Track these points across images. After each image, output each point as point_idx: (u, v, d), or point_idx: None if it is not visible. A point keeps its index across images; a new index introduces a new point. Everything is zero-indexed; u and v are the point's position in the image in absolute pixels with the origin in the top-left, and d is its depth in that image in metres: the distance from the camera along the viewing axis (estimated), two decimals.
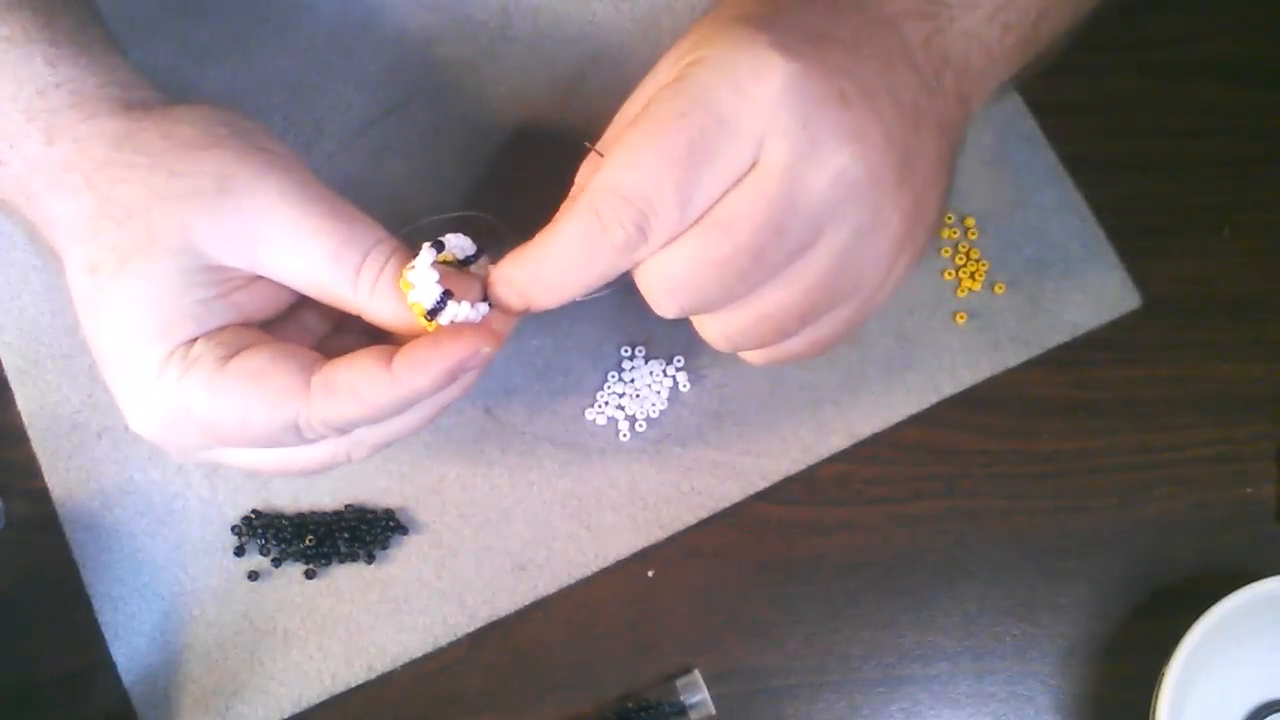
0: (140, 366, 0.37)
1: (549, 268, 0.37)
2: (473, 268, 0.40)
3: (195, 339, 0.37)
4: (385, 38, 0.53)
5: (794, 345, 0.40)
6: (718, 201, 0.35)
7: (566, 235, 0.37)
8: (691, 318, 0.39)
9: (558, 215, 0.37)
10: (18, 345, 0.51)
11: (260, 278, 0.39)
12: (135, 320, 0.37)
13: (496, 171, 0.53)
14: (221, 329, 0.38)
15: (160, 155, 0.38)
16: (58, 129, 0.39)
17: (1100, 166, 0.54)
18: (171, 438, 0.38)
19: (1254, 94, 0.55)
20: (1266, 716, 0.49)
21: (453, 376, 0.37)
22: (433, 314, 0.38)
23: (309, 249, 0.38)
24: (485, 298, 0.39)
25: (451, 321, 0.38)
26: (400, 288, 0.38)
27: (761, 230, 0.35)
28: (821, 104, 0.35)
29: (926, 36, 0.39)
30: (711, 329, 0.39)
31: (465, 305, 0.38)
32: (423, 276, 0.37)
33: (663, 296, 0.37)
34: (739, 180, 0.35)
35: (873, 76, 0.36)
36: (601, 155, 0.39)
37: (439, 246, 0.38)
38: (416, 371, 0.37)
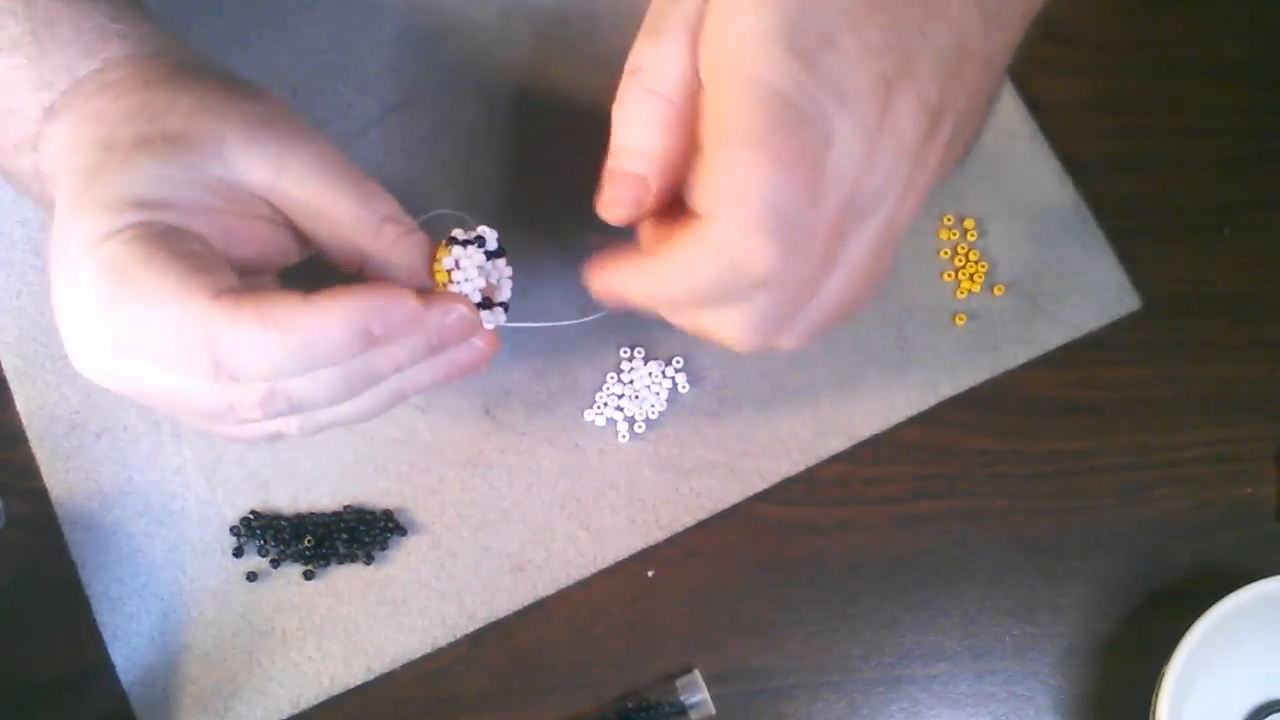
0: (100, 225, 0.35)
1: (664, 288, 0.37)
2: (488, 264, 0.41)
3: (173, 228, 0.36)
4: (385, 38, 0.53)
5: (826, 299, 0.40)
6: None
7: (696, 272, 0.36)
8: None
9: (686, 239, 0.35)
10: (17, 346, 0.51)
11: (257, 224, 0.39)
12: (128, 187, 0.36)
13: (496, 172, 0.53)
14: (204, 236, 0.37)
15: (214, 84, 0.39)
16: (115, 62, 0.39)
17: (1100, 166, 0.54)
18: (83, 322, 0.36)
19: (1254, 94, 0.55)
20: (1266, 716, 0.49)
21: (369, 323, 0.36)
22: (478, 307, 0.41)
23: (336, 190, 0.39)
24: (504, 303, 0.42)
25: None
26: (436, 255, 0.40)
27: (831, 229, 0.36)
28: (871, 97, 0.34)
29: None
30: (788, 341, 0.39)
31: (490, 320, 0.42)
32: (470, 267, 0.40)
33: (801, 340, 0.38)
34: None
35: (915, 36, 0.35)
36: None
37: (481, 242, 0.41)
38: (337, 301, 0.35)
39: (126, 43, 0.40)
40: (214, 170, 0.38)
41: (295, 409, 0.38)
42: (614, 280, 0.38)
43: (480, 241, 0.41)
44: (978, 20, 0.37)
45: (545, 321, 0.47)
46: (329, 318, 0.35)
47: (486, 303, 0.41)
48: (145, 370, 0.37)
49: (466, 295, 0.40)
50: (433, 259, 0.41)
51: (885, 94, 0.35)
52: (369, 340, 0.36)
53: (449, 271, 0.40)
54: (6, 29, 0.39)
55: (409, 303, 0.37)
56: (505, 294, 0.43)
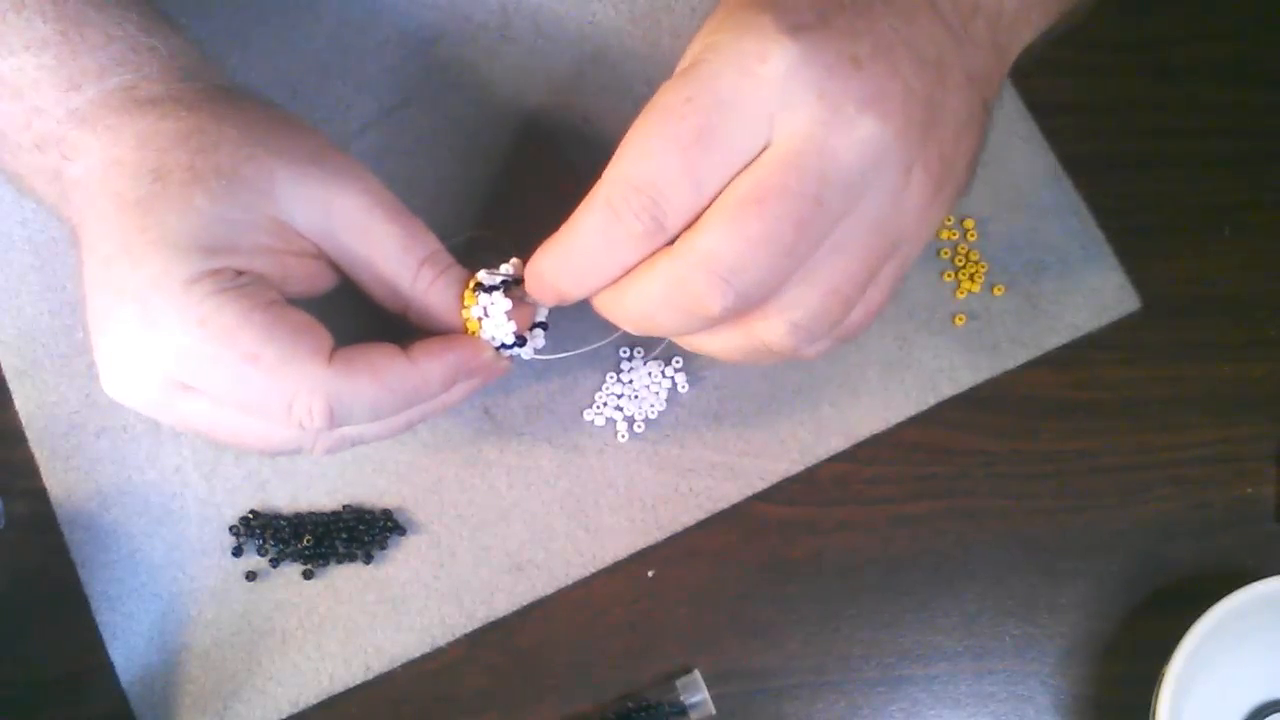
0: (176, 270, 0.36)
1: (574, 260, 0.38)
2: (519, 289, 0.42)
3: (243, 273, 0.38)
4: (385, 38, 0.53)
5: (854, 317, 0.40)
6: (732, 181, 0.35)
7: (585, 228, 0.37)
8: (758, 326, 0.38)
9: (579, 207, 0.38)
10: (16, 346, 0.51)
11: (305, 260, 0.40)
12: (193, 228, 0.37)
13: (496, 172, 0.53)
14: (266, 277, 0.39)
15: (256, 114, 0.40)
16: (147, 79, 0.40)
17: (1100, 166, 0.53)
18: (147, 358, 0.37)
19: (1254, 94, 0.55)
20: (1266, 716, 0.49)
21: (458, 374, 0.41)
22: (505, 347, 0.42)
23: (381, 233, 0.40)
24: (543, 323, 0.44)
25: (503, 345, 0.42)
26: (464, 299, 0.42)
27: (799, 200, 0.35)
28: (833, 72, 0.35)
29: None
30: (779, 327, 0.38)
31: (530, 348, 0.43)
32: (498, 314, 0.42)
33: (718, 283, 0.35)
34: (753, 159, 0.35)
35: (887, 33, 0.36)
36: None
37: (506, 285, 0.42)
38: (434, 358, 0.40)
39: (157, 56, 0.40)
40: (267, 209, 0.38)
41: (354, 444, 0.42)
42: (535, 268, 0.40)
43: (505, 285, 0.42)
44: (946, 35, 0.38)
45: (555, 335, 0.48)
46: (430, 375, 0.40)
47: (520, 339, 0.43)
48: (214, 412, 0.39)
49: (500, 340, 0.42)
50: (461, 303, 0.42)
51: (853, 68, 0.35)
52: (450, 386, 0.41)
53: (479, 320, 0.42)
54: (35, 28, 0.39)
55: (487, 353, 0.42)
56: (542, 314, 0.44)
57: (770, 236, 0.35)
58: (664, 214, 0.36)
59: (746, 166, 0.35)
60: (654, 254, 0.37)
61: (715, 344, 0.41)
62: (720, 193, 0.36)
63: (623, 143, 0.36)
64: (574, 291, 0.39)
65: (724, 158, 0.35)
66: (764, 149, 0.35)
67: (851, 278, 0.37)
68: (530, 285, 0.40)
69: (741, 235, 0.35)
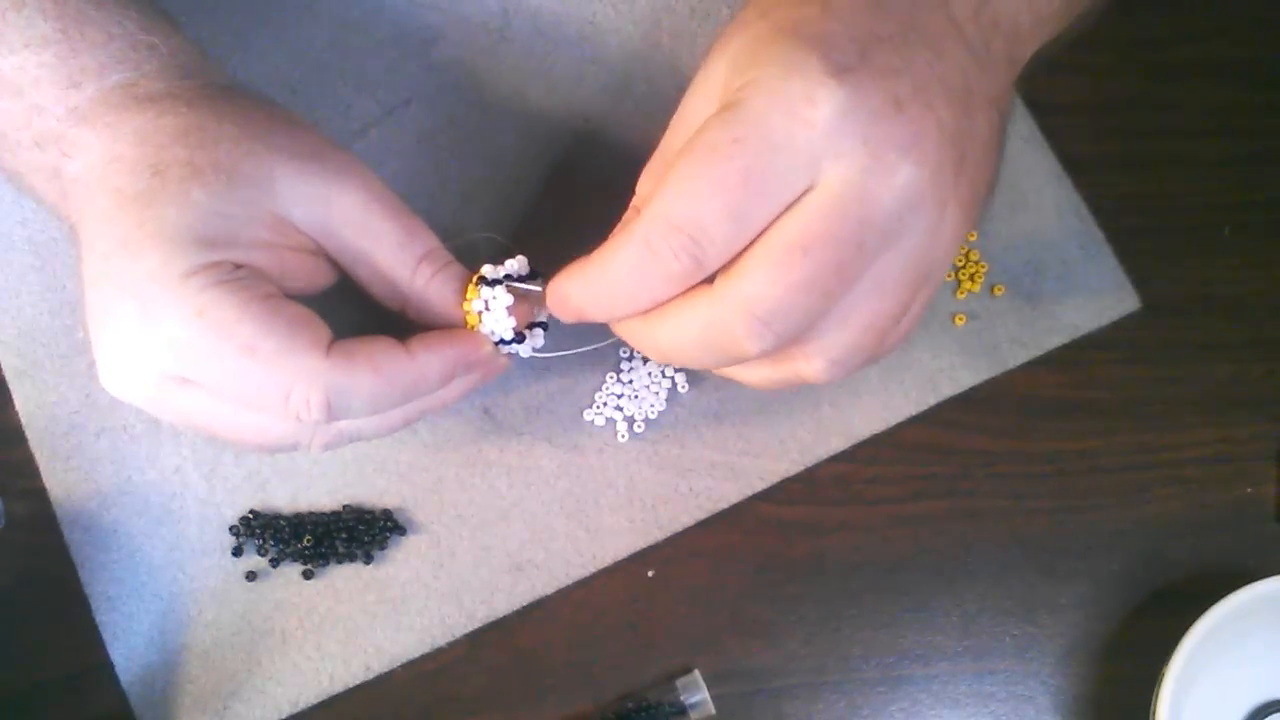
0: (174, 263, 0.36)
1: (604, 291, 0.38)
2: (522, 285, 0.42)
3: (241, 266, 0.38)
4: (385, 38, 0.53)
5: (885, 344, 0.40)
6: (774, 223, 0.35)
7: (621, 262, 0.37)
8: (797, 362, 0.39)
9: (614, 234, 0.37)
10: (16, 345, 0.51)
11: (303, 256, 0.40)
12: (191, 222, 0.37)
13: (495, 172, 0.53)
14: (265, 272, 0.39)
15: (255, 111, 0.40)
16: (147, 76, 0.40)
17: (1100, 166, 0.54)
18: (145, 351, 0.37)
19: (1254, 94, 0.55)
20: (1266, 716, 0.49)
21: (457, 368, 0.41)
22: (503, 343, 0.42)
23: (380, 230, 0.41)
24: (543, 323, 0.44)
25: (502, 340, 0.42)
26: (466, 293, 0.42)
27: (842, 246, 0.35)
28: (877, 117, 0.35)
29: (976, 7, 0.38)
30: (816, 364, 0.39)
31: (529, 346, 0.43)
32: (499, 309, 0.42)
33: (758, 326, 0.36)
34: (794, 203, 0.35)
35: (923, 68, 0.36)
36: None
37: (509, 278, 0.42)
38: (432, 352, 0.40)
39: (157, 55, 0.40)
40: (265, 205, 0.39)
41: (352, 440, 0.42)
42: (562, 290, 0.40)
43: (509, 278, 0.42)
44: (971, 61, 0.38)
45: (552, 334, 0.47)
46: (428, 368, 0.40)
47: (519, 335, 0.43)
48: (212, 406, 0.39)
49: (499, 335, 0.42)
50: (463, 296, 0.42)
51: (895, 112, 0.35)
52: (448, 381, 0.41)
53: (479, 314, 0.42)
54: (36, 26, 0.39)
55: (486, 348, 0.42)
56: (543, 314, 0.44)
57: (813, 282, 0.35)
58: (704, 254, 0.35)
59: (788, 209, 0.35)
60: (689, 290, 0.37)
61: (747, 375, 0.41)
62: (761, 234, 0.35)
63: (664, 180, 0.36)
64: (598, 317, 0.39)
65: (768, 200, 0.35)
66: (806, 191, 0.35)
67: (887, 313, 0.38)
68: (552, 303, 0.40)
69: (784, 281, 0.35)
